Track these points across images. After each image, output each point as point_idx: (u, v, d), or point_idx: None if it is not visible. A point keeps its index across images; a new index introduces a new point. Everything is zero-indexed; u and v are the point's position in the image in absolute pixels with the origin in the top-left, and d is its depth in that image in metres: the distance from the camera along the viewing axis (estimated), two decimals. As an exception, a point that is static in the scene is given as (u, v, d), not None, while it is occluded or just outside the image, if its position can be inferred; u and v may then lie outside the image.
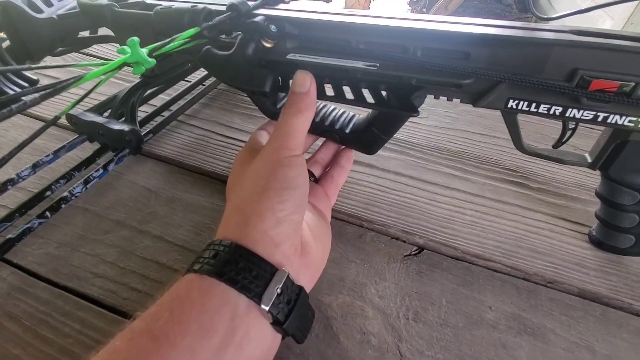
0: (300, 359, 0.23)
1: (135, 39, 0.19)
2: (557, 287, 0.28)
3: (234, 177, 0.25)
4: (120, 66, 0.19)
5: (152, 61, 0.20)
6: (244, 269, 0.18)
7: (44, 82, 0.24)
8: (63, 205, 0.30)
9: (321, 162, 0.31)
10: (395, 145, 0.40)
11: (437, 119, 0.45)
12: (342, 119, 0.32)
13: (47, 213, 0.29)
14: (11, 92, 0.20)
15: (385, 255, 0.30)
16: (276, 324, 0.19)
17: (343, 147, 0.33)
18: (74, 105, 0.19)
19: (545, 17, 0.24)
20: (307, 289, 0.22)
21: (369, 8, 2.67)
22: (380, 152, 0.31)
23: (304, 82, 0.24)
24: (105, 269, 0.27)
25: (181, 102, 0.41)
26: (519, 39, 0.22)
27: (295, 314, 0.19)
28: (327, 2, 0.51)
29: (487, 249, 0.30)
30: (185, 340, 0.16)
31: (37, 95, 0.16)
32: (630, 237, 0.28)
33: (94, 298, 0.25)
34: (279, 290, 0.18)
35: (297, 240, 0.22)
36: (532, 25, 0.23)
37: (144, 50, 0.20)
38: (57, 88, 0.16)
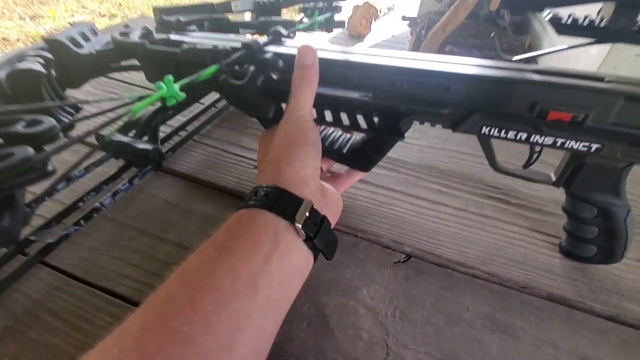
0: (301, 350, 0.27)
1: (171, 77, 0.23)
2: (529, 292, 0.32)
3: (262, 148, 0.31)
4: (159, 100, 0.23)
5: (183, 95, 0.24)
6: (280, 201, 0.23)
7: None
8: (95, 215, 0.34)
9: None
10: (388, 163, 0.45)
11: (428, 139, 0.50)
12: (340, 140, 0.36)
13: (82, 221, 0.33)
14: (64, 120, 0.24)
15: (377, 262, 0.33)
16: (308, 239, 0.23)
17: None
18: (117, 130, 0.23)
19: (510, 59, 0.28)
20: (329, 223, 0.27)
21: (370, 30, 2.77)
22: (374, 169, 0.35)
23: (308, 55, 0.28)
24: (131, 271, 0.31)
25: (196, 123, 0.46)
26: (488, 77, 0.26)
27: (321, 234, 0.24)
28: (329, 32, 0.57)
29: (467, 257, 0.34)
30: (240, 249, 0.21)
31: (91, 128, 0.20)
32: (593, 247, 0.32)
33: (122, 295, 0.29)
34: (307, 214, 0.23)
35: (318, 182, 0.27)
36: (502, 64, 0.28)
37: (176, 86, 0.24)
38: (112, 119, 0.20)
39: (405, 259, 0.34)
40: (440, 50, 1.80)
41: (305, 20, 0.46)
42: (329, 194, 0.29)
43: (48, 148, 0.18)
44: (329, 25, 0.52)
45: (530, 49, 1.81)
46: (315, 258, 0.25)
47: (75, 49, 0.32)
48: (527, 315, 0.30)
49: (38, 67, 0.24)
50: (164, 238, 0.34)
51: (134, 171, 0.39)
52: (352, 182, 0.36)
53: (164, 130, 0.44)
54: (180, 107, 0.46)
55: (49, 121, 0.19)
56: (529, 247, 0.35)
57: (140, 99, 0.23)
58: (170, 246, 0.33)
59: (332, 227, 0.27)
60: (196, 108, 0.49)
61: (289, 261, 0.22)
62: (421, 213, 0.38)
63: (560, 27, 0.24)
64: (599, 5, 0.25)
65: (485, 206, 0.40)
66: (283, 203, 0.23)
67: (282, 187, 0.24)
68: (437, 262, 0.34)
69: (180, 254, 0.32)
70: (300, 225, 0.23)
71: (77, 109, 0.28)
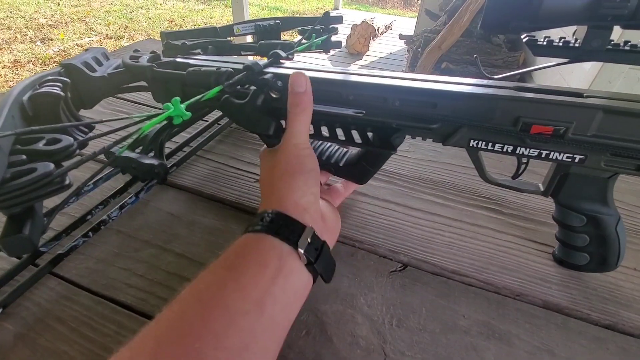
0: (300, 357, 0.27)
1: (178, 98, 0.25)
2: (524, 299, 0.33)
3: (264, 171, 0.32)
4: (166, 118, 0.25)
5: (189, 114, 0.26)
6: (284, 227, 0.25)
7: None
8: (103, 227, 0.35)
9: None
10: (384, 176, 0.46)
11: (423, 152, 0.51)
12: (336, 154, 0.38)
13: (90, 233, 0.34)
14: (79, 138, 0.26)
15: (374, 271, 0.34)
16: (309, 264, 0.25)
17: None
18: (126, 148, 0.25)
19: (492, 77, 0.30)
20: (329, 246, 0.28)
21: (369, 48, 2.85)
22: (371, 181, 0.36)
23: (300, 83, 0.29)
24: (137, 281, 0.32)
25: (200, 139, 0.48)
26: (473, 94, 0.28)
27: (321, 258, 0.26)
28: (327, 53, 0.60)
29: (462, 265, 0.35)
30: (248, 271, 0.23)
31: (105, 146, 0.22)
32: (585, 255, 0.33)
33: (127, 304, 0.30)
34: (309, 240, 0.25)
35: (318, 208, 0.29)
36: (487, 82, 0.30)
37: (183, 106, 0.26)
38: (123, 137, 0.22)
39: (401, 268, 0.35)
40: (437, 66, 1.85)
41: (304, 41, 0.48)
42: (328, 218, 0.31)
43: (65, 164, 0.20)
44: (326, 46, 0.55)
45: (524, 64, 1.85)
46: (314, 281, 0.27)
47: (89, 72, 0.34)
48: (523, 322, 0.31)
49: (57, 91, 0.26)
50: (168, 249, 0.35)
51: (139, 185, 0.40)
52: (348, 194, 0.38)
53: (169, 146, 0.46)
54: (185, 124, 0.48)
55: (66, 139, 0.20)
56: (523, 256, 0.36)
57: (149, 118, 0.25)
58: (174, 257, 0.34)
59: (331, 248, 0.29)
60: (200, 125, 0.51)
61: (291, 284, 0.24)
62: (416, 223, 0.39)
63: (535, 48, 0.26)
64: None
65: (478, 216, 0.41)
66: (287, 229, 0.25)
67: (285, 214, 0.26)
68: (433, 270, 0.35)
69: (183, 264, 0.33)
70: (302, 251, 0.24)
71: (91, 127, 0.30)
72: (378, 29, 3.10)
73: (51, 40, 2.93)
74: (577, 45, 0.26)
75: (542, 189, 0.32)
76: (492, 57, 1.86)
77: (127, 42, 3.04)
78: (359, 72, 0.32)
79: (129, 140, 0.25)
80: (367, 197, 0.43)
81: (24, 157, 0.19)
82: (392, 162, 0.49)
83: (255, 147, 0.50)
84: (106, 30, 3.24)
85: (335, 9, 4.16)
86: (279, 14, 4.32)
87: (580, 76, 1.22)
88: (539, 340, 0.30)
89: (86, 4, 3.82)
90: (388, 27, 3.47)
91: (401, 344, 0.29)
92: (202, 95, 0.28)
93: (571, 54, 0.25)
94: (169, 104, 0.25)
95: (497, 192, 0.44)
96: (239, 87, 0.34)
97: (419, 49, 1.99)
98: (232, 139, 0.51)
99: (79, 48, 2.88)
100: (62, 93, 0.26)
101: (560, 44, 0.26)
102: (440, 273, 0.35)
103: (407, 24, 3.77)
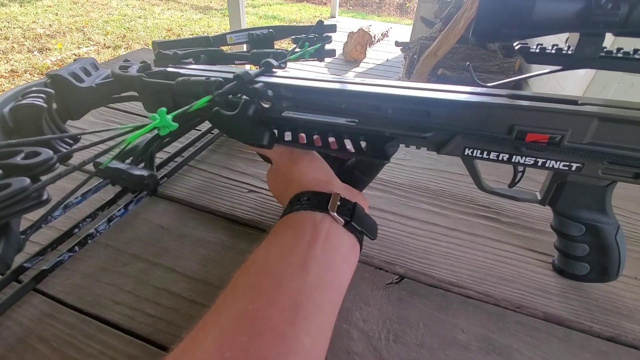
0: (292, 376, 0.26)
1: (164, 109, 0.25)
2: (524, 312, 0.32)
3: (273, 182, 0.36)
4: (152, 129, 0.24)
5: (175, 125, 0.25)
6: (312, 200, 0.28)
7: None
8: (89, 241, 0.34)
9: None
10: (380, 185, 0.45)
11: (419, 160, 0.51)
12: (330, 165, 0.37)
13: (76, 247, 0.33)
14: (63, 150, 0.25)
15: (370, 284, 0.33)
16: (346, 224, 0.27)
17: None
18: (111, 160, 0.24)
19: (485, 85, 0.30)
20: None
21: (365, 55, 2.87)
22: (366, 191, 0.36)
23: None
24: (124, 297, 0.31)
25: (192, 149, 0.47)
26: (466, 102, 0.28)
27: (357, 218, 0.28)
28: (321, 61, 0.59)
29: (460, 277, 0.34)
30: (287, 240, 0.26)
31: (91, 156, 0.21)
32: (586, 265, 0.32)
33: (113, 322, 0.29)
34: (338, 202, 0.28)
35: (338, 180, 0.32)
36: (480, 90, 0.29)
37: (169, 117, 0.25)
38: (110, 147, 0.21)
39: (397, 280, 0.34)
40: (433, 73, 1.85)
41: (297, 50, 0.48)
42: (352, 189, 0.33)
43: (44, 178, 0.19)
44: (320, 55, 0.54)
45: (520, 71, 1.86)
46: (360, 243, 0.29)
47: (76, 83, 0.33)
48: (523, 336, 0.30)
49: (40, 102, 0.25)
50: (157, 263, 0.34)
51: (129, 197, 0.39)
52: None
53: (160, 156, 0.46)
54: (177, 134, 0.48)
55: (46, 152, 0.20)
56: (522, 266, 0.36)
57: (136, 128, 0.24)
58: (163, 271, 0.33)
59: (364, 207, 0.31)
60: (192, 134, 0.50)
61: (331, 246, 0.26)
62: (412, 233, 0.39)
63: (528, 55, 0.25)
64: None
65: (476, 225, 0.40)
66: (315, 201, 0.28)
67: (309, 190, 0.29)
68: (430, 282, 0.34)
69: (172, 279, 0.32)
70: (335, 213, 0.27)
71: (76, 139, 0.29)
72: (374, 36, 3.13)
73: (49, 50, 2.94)
74: (570, 52, 0.25)
75: (539, 197, 0.32)
76: (487, 63, 1.87)
77: (125, 51, 3.05)
78: (352, 81, 0.32)
79: (115, 152, 0.24)
80: (362, 207, 0.42)
81: (-1, 171, 0.18)
82: (388, 170, 0.48)
83: (248, 156, 0.49)
84: (104, 39, 3.26)
85: (332, 17, 4.21)
86: (276, 23, 4.36)
87: (576, 82, 1.22)
88: (540, 355, 0.29)
89: (84, 14, 3.85)
90: (384, 35, 3.50)
91: (398, 360, 0.28)
92: (190, 105, 0.27)
93: (564, 61, 0.25)
94: (155, 114, 0.25)
95: (494, 201, 0.43)
96: (230, 96, 0.34)
97: (415, 56, 2.00)
98: (224, 149, 0.51)
99: (77, 57, 2.88)
100: (44, 104, 0.25)
101: (553, 52, 0.25)
102: (438, 285, 0.34)
103: (403, 31, 3.80)
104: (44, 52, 2.90)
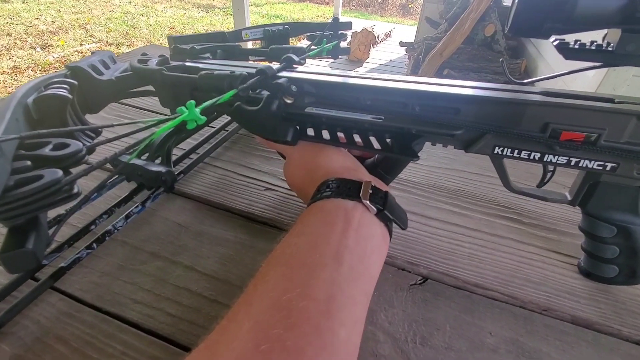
0: (320, 379, 0.26)
1: (192, 102, 0.24)
2: (551, 314, 0.31)
3: (291, 171, 0.34)
4: (180, 123, 0.24)
5: (204, 118, 0.24)
6: (342, 187, 0.27)
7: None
8: (107, 238, 0.34)
9: None
10: (398, 184, 0.45)
11: (436, 160, 0.50)
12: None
13: (94, 244, 0.32)
14: (87, 143, 0.24)
15: (393, 285, 0.33)
16: (378, 212, 0.26)
17: None
18: (136, 154, 0.23)
19: (519, 82, 0.29)
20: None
21: (369, 55, 2.86)
22: (385, 190, 0.35)
23: None
24: (143, 296, 0.30)
25: (207, 146, 0.46)
26: (499, 99, 0.27)
27: (388, 205, 0.27)
28: (335, 59, 0.59)
29: (485, 278, 0.33)
30: (317, 231, 0.25)
31: (118, 151, 0.20)
32: (614, 267, 0.31)
33: (133, 322, 0.28)
34: (370, 191, 0.26)
35: (363, 168, 0.31)
36: (511, 87, 0.29)
37: (197, 110, 0.24)
38: (135, 143, 0.20)
39: (421, 281, 0.33)
40: (438, 73, 1.85)
41: (313, 47, 0.47)
42: (380, 181, 0.31)
43: (74, 171, 0.18)
44: (335, 53, 0.54)
45: (526, 72, 1.86)
46: (390, 232, 0.28)
47: (96, 76, 0.33)
48: (552, 339, 0.29)
49: (64, 93, 0.24)
50: (175, 261, 0.33)
51: (146, 194, 0.38)
52: None
53: (175, 153, 0.45)
54: (193, 130, 0.47)
55: (75, 144, 0.19)
56: (547, 268, 0.35)
57: (161, 122, 0.23)
58: (182, 269, 0.32)
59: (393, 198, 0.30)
60: (206, 131, 0.50)
61: (363, 235, 0.25)
62: (434, 234, 0.38)
63: (567, 52, 0.24)
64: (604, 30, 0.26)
65: (498, 226, 0.39)
66: (345, 188, 0.27)
67: (338, 177, 0.28)
68: (455, 284, 0.33)
69: (192, 278, 0.32)
70: (366, 201, 0.26)
71: (97, 132, 0.29)
72: (378, 37, 3.12)
73: (51, 46, 2.92)
74: (610, 49, 0.25)
75: (569, 198, 0.31)
76: (493, 64, 1.87)
77: (128, 49, 3.04)
78: (376, 77, 0.31)
79: (140, 147, 0.23)
80: (382, 206, 0.41)
81: (28, 163, 0.17)
82: (405, 169, 0.47)
83: (264, 154, 0.49)
84: (107, 37, 3.25)
85: (335, 16, 4.20)
86: (279, 22, 4.34)
87: (585, 83, 1.21)
88: (570, 359, 0.28)
89: (87, 11, 3.83)
90: (387, 35, 3.50)
91: (426, 363, 0.27)
92: (217, 98, 0.27)
93: (605, 58, 0.24)
94: (182, 107, 0.24)
95: (515, 201, 0.43)
96: (251, 92, 0.33)
97: (420, 56, 1.99)
98: (240, 146, 0.50)
99: (80, 54, 2.88)
100: (69, 96, 0.24)
101: (593, 48, 0.25)
102: (463, 287, 0.33)
103: (406, 31, 3.80)
104: (47, 48, 2.89)
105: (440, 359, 0.27)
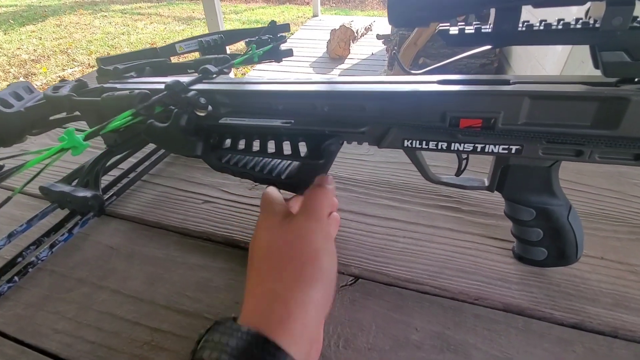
0: (234, 394, 0.25)
1: (72, 128, 0.24)
2: (482, 303, 0.31)
3: (260, 242, 0.25)
4: (59, 151, 0.23)
5: (87, 144, 0.24)
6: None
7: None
8: (30, 270, 0.33)
9: None
10: (339, 183, 0.44)
11: (383, 154, 0.49)
12: (279, 167, 0.36)
13: (16, 277, 0.32)
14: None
15: (322, 288, 0.32)
16: None
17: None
18: (22, 187, 0.23)
19: (410, 71, 0.28)
20: None
21: (350, 51, 2.85)
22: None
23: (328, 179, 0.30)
24: (65, 325, 0.30)
25: (147, 163, 0.46)
26: (395, 93, 0.27)
27: None
28: (278, 63, 0.58)
29: (416, 272, 0.33)
30: None
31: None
32: (543, 250, 0.31)
33: (52, 352, 0.28)
34: None
35: (319, 331, 0.23)
36: (408, 78, 0.28)
37: (80, 136, 0.24)
38: (14, 169, 0.20)
39: (352, 281, 0.33)
40: (414, 63, 1.84)
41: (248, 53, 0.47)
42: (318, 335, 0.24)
43: None
44: (277, 56, 0.53)
45: (502, 54, 1.84)
46: None
47: (2, 108, 0.32)
48: (481, 329, 0.29)
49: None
50: (102, 286, 0.33)
51: (77, 220, 0.38)
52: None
53: (113, 173, 0.45)
54: (131, 150, 0.47)
55: None
56: (482, 255, 0.34)
57: (42, 151, 0.23)
58: (108, 294, 0.32)
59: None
60: (149, 147, 0.49)
61: None
62: (370, 231, 0.37)
63: (448, 38, 0.24)
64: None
65: (437, 217, 0.39)
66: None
67: (281, 347, 0.18)
68: (385, 281, 0.33)
69: (116, 301, 0.31)
70: None
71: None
72: (357, 31, 3.11)
73: (34, 74, 2.94)
74: (489, 30, 0.24)
75: (486, 183, 0.31)
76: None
77: (110, 69, 3.05)
78: (288, 80, 0.31)
79: (13, 173, 0.23)
80: (319, 208, 0.41)
81: None
82: (349, 167, 0.47)
83: (206, 166, 0.48)
84: (88, 59, 3.26)
85: (315, 15, 4.19)
86: (259, 27, 4.33)
87: (554, 58, 1.20)
88: (497, 348, 0.27)
89: (68, 36, 3.85)
90: (368, 29, 3.48)
91: (346, 367, 0.26)
92: (107, 122, 0.26)
93: (484, 40, 0.24)
94: (63, 135, 0.24)
95: (457, 190, 0.42)
96: (172, 107, 0.33)
97: (395, 47, 1.98)
98: (183, 159, 0.50)
99: (62, 79, 2.88)
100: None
101: (473, 31, 0.24)
102: (394, 283, 0.32)
103: (386, 24, 3.77)
104: (30, 77, 2.90)
105: (363, 361, 0.27)
